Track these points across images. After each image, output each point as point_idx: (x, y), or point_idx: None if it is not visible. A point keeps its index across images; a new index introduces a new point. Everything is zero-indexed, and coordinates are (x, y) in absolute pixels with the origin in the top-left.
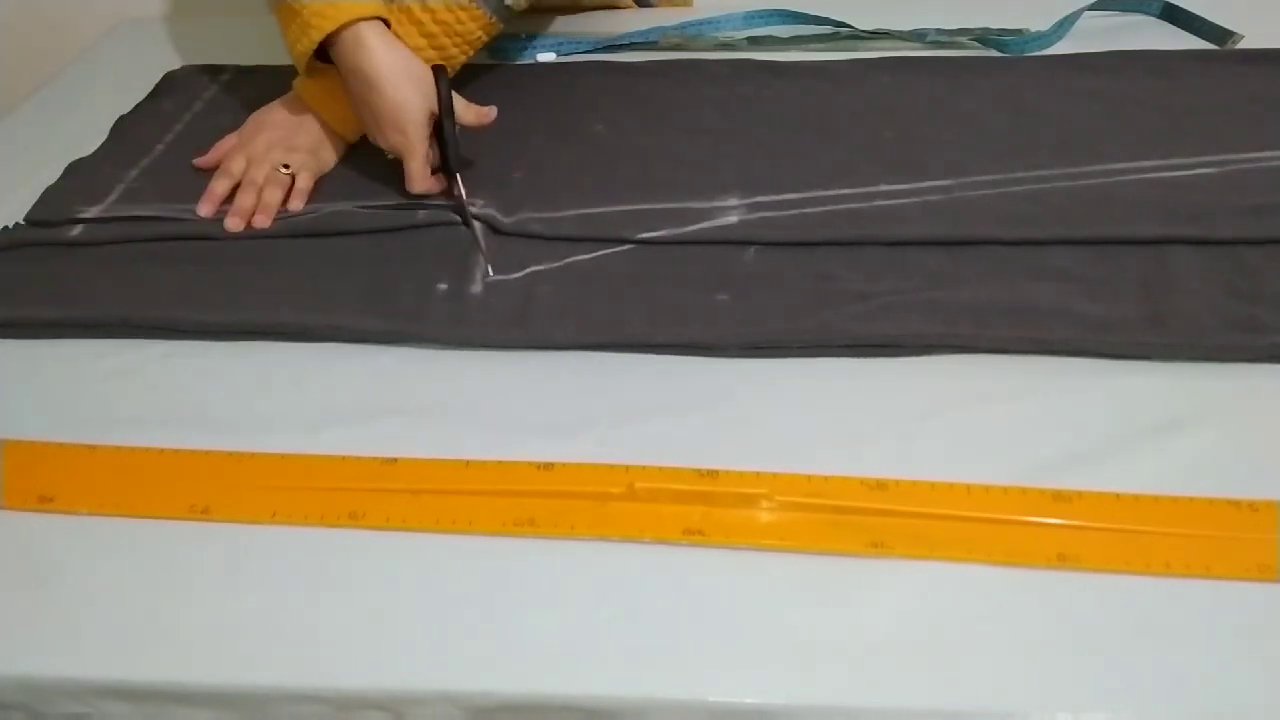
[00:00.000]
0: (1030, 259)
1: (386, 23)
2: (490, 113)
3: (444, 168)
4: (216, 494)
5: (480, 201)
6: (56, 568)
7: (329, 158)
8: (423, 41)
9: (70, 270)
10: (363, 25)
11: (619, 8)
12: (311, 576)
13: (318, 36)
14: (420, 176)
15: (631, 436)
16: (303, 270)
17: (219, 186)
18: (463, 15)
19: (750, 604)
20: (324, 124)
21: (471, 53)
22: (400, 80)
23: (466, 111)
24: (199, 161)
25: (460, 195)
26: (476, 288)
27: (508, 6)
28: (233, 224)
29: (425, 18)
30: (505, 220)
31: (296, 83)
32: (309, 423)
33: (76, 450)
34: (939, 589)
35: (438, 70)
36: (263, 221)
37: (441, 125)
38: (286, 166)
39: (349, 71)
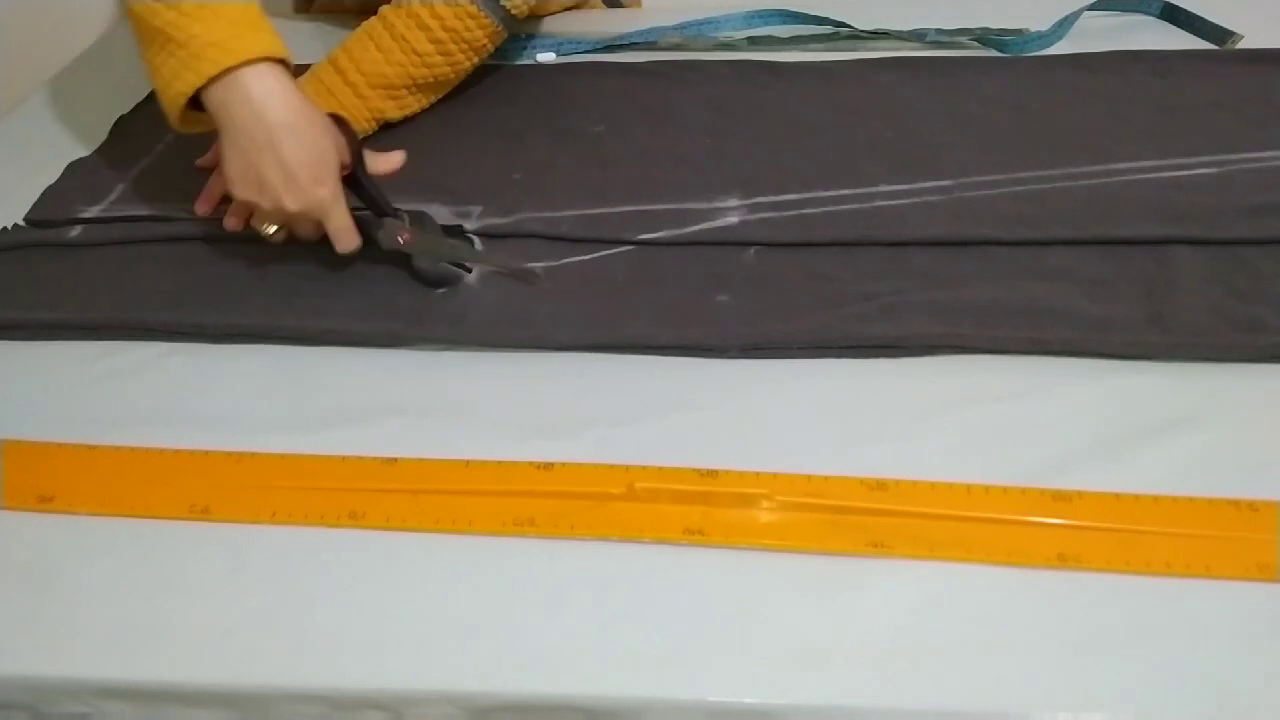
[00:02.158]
0: (1031, 259)
1: (288, 67)
2: (399, 158)
3: (374, 214)
4: (216, 494)
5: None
6: (56, 568)
7: None
8: (431, 48)
9: (69, 272)
10: (265, 65)
11: (588, 7)
12: (311, 576)
13: (210, 70)
14: (350, 232)
15: (631, 436)
16: (301, 272)
17: (217, 186)
18: (471, 24)
19: (750, 604)
20: None
21: (478, 60)
22: (314, 123)
23: (376, 160)
24: (200, 161)
25: (410, 238)
26: (475, 288)
27: (512, 16)
28: (231, 223)
29: (434, 24)
30: (504, 220)
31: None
32: (309, 422)
33: (76, 450)
34: (939, 589)
35: (340, 119)
36: None
37: (355, 175)
38: None
39: (246, 117)
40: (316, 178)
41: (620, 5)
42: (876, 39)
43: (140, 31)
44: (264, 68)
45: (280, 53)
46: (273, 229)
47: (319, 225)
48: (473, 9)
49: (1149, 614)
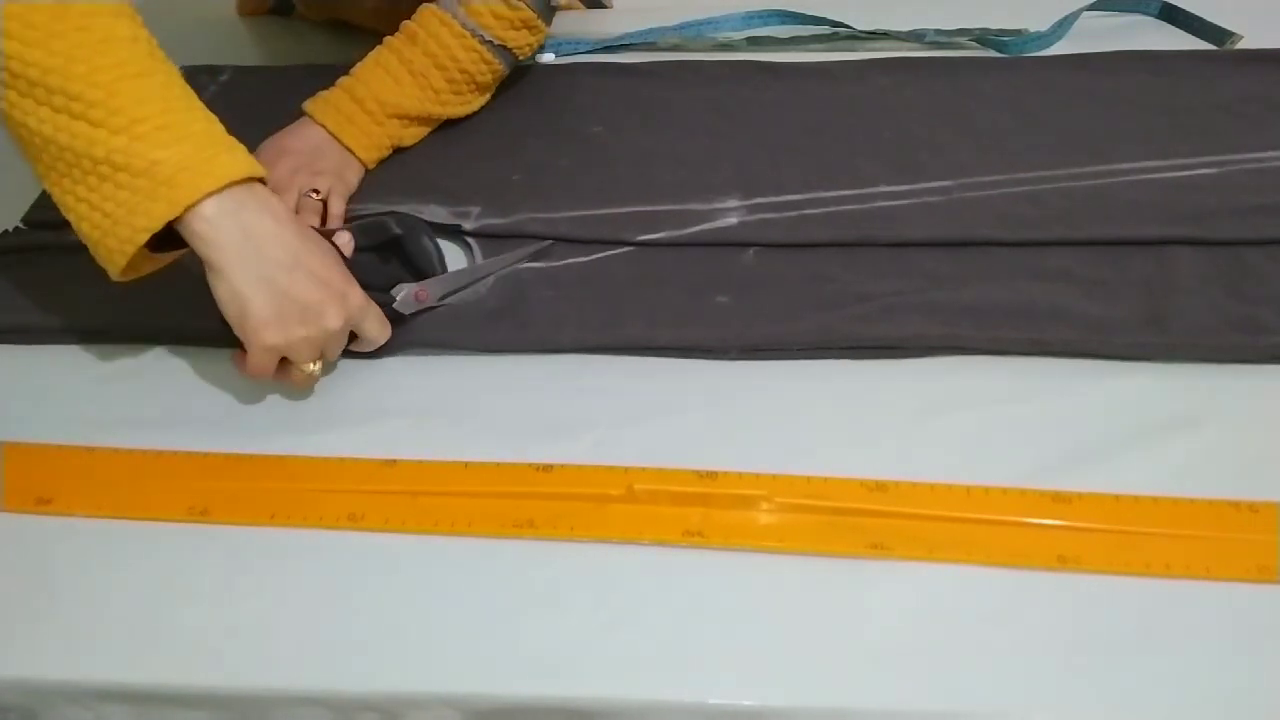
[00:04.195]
0: (1030, 260)
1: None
2: (346, 236)
3: (379, 289)
4: (215, 496)
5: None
6: (55, 570)
7: (353, 178)
8: (446, 86)
9: (69, 275)
10: (255, 185)
11: (569, 8)
12: (310, 579)
13: (187, 198)
14: (385, 323)
15: (631, 438)
16: None
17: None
18: (484, 67)
19: (750, 606)
20: (344, 146)
21: (485, 99)
22: (313, 232)
23: (343, 246)
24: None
25: (425, 293)
26: (477, 289)
27: (518, 59)
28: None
29: (451, 65)
30: (502, 221)
31: (306, 106)
32: (308, 424)
33: (75, 452)
34: (938, 590)
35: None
36: None
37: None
38: (316, 191)
39: (262, 240)
40: (345, 280)
41: (602, 5)
42: (875, 39)
43: (57, 159)
44: (256, 187)
45: (261, 171)
46: (312, 365)
47: (345, 337)
48: (487, 54)
49: (1149, 615)
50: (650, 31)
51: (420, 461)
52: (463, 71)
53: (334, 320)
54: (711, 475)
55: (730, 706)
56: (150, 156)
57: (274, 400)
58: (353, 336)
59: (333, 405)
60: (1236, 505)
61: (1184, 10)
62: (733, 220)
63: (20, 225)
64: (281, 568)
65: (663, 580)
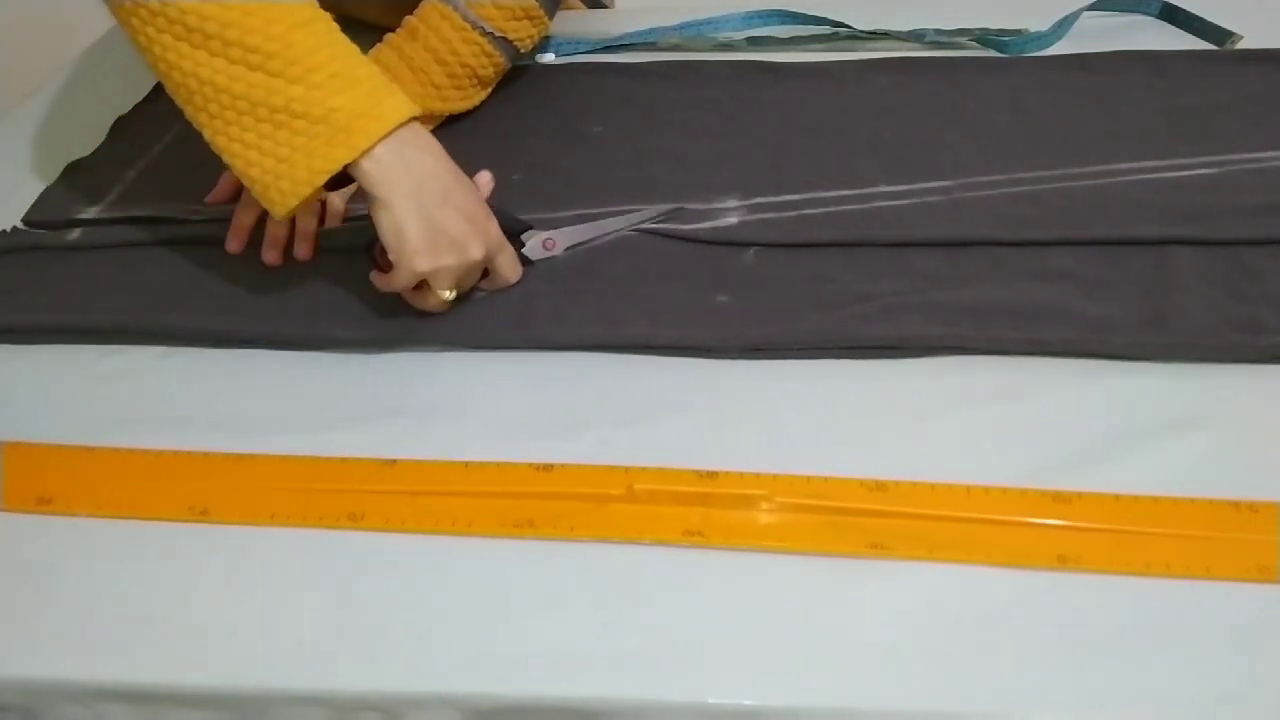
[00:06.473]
0: (1030, 260)
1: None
2: (487, 178)
3: (515, 231)
4: (215, 495)
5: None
6: (55, 570)
7: None
8: (447, 81)
9: (69, 275)
10: (414, 123)
11: (569, 8)
12: (310, 578)
13: (363, 143)
14: (518, 261)
15: (631, 437)
16: (300, 275)
17: (245, 218)
18: (485, 60)
19: (750, 605)
20: None
21: (485, 94)
22: (458, 167)
23: (485, 186)
24: (211, 198)
25: (554, 242)
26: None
27: (519, 52)
28: (270, 258)
29: (452, 60)
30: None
31: None
32: (308, 424)
33: (75, 452)
34: (939, 590)
35: None
36: (305, 253)
37: None
38: None
39: (420, 177)
40: (487, 217)
41: (602, 6)
42: (876, 39)
43: (228, 107)
44: (415, 126)
45: (419, 111)
46: (449, 292)
47: (480, 270)
48: (489, 47)
49: (1149, 615)
50: (650, 31)
51: (420, 461)
52: (464, 65)
53: (476, 252)
54: (711, 475)
55: (730, 706)
56: (327, 104)
57: (274, 400)
58: (485, 274)
59: (332, 405)
60: (1236, 505)
61: (1184, 10)
62: (733, 220)
63: (20, 225)
64: (281, 567)
65: (663, 580)
